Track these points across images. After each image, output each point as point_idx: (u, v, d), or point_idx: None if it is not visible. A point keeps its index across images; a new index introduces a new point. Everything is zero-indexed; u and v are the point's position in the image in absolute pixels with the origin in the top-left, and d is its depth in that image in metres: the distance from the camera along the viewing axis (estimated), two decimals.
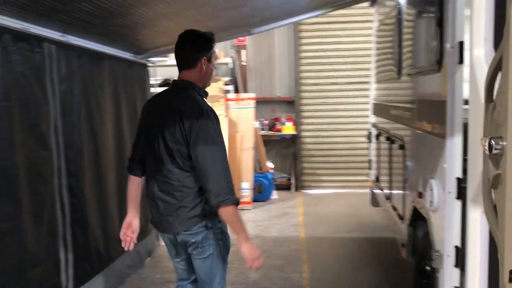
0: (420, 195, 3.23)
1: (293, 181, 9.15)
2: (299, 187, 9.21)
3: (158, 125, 2.66)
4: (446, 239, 2.61)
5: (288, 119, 9.05)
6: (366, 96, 8.76)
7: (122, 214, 4.68)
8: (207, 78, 2.76)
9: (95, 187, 4.19)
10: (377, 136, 5.44)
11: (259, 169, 8.66)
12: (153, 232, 5.71)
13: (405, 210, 3.78)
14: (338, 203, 8.04)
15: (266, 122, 9.16)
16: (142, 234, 5.28)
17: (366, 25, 8.74)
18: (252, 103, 8.19)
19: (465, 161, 2.52)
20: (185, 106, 2.59)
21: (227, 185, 2.50)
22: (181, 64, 2.72)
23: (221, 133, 2.60)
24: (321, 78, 9.03)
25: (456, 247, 2.59)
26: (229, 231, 2.75)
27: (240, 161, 7.95)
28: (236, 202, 2.55)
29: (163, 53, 5.90)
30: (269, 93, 9.22)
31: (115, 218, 4.60)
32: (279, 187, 8.94)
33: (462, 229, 2.57)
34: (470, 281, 1.80)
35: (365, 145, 8.71)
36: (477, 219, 1.77)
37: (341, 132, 9.06)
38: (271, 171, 8.76)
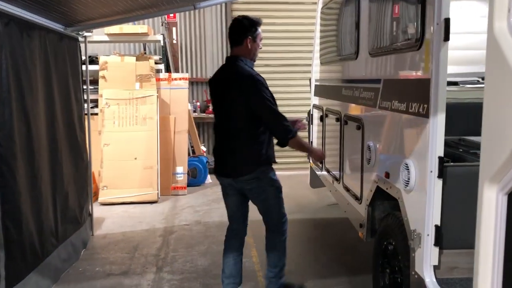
0: (388, 175, 3.21)
1: None
2: None
3: (221, 91, 3.46)
4: (426, 219, 2.60)
5: None
6: (302, 79, 8.85)
7: (57, 203, 4.25)
8: (252, 54, 3.48)
9: (28, 175, 3.70)
10: (321, 118, 5.41)
11: (192, 153, 8.37)
12: (87, 222, 5.27)
13: (364, 191, 3.77)
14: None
15: (198, 104, 8.84)
16: (76, 223, 4.85)
17: (300, 7, 8.77)
18: (185, 83, 7.84)
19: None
20: (238, 74, 3.34)
21: (285, 125, 3.35)
22: (232, 43, 3.51)
23: (268, 89, 3.35)
24: None
25: (436, 226, 2.59)
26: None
27: (173, 145, 7.60)
28: (295, 133, 3.40)
29: (97, 26, 5.37)
30: (201, 74, 8.91)
31: (50, 207, 4.13)
32: (212, 171, 8.71)
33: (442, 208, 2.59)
34: (482, 267, 1.75)
35: None
36: (493, 199, 1.70)
37: None
38: (205, 154, 8.51)
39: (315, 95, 5.81)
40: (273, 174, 3.57)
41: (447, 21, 2.41)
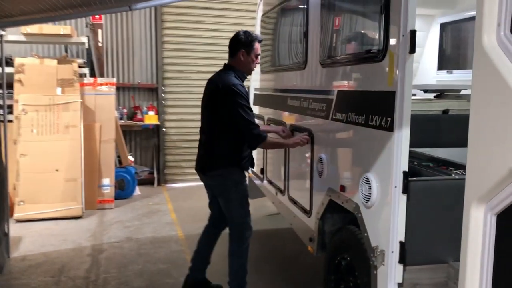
0: (343, 188, 3.12)
1: (156, 175, 8.55)
2: (162, 181, 8.66)
3: (205, 94, 3.77)
4: (391, 235, 2.52)
5: (150, 108, 8.40)
6: None
7: None
8: (245, 66, 3.72)
9: None
10: None
11: (118, 163, 7.87)
12: (3, 243, 4.68)
13: (315, 204, 3.66)
14: (206, 196, 7.71)
15: (125, 111, 8.36)
16: None
17: (233, 14, 8.62)
18: (112, 89, 7.35)
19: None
20: (220, 81, 3.63)
21: (254, 133, 3.53)
22: (228, 53, 3.78)
23: (246, 98, 3.56)
24: (186, 65, 8.58)
25: (401, 242, 2.51)
26: None
27: (99, 155, 7.08)
28: (265, 138, 3.57)
29: (17, 24, 4.82)
30: (129, 79, 8.44)
31: None
32: (141, 182, 8.27)
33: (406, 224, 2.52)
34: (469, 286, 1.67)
35: None
36: (480, 218, 1.63)
37: None
38: (133, 164, 8.05)
39: (254, 104, 5.66)
40: (241, 179, 3.73)
41: (413, 33, 2.36)
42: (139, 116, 8.35)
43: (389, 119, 2.50)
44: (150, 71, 8.51)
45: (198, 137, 8.77)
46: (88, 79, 7.32)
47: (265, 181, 5.25)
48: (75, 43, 7.56)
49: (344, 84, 3.15)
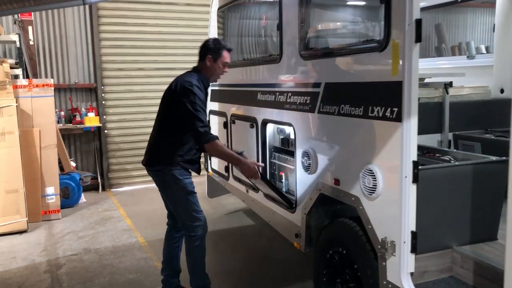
0: (338, 182, 3.09)
1: (100, 180, 8.08)
2: (107, 186, 8.21)
3: (165, 91, 3.70)
4: (402, 226, 2.52)
5: (90, 109, 7.90)
6: None
7: None
8: (210, 72, 3.65)
9: None
10: (225, 124, 5.13)
11: (60, 170, 7.32)
12: None
13: (300, 199, 3.61)
14: (158, 199, 7.26)
15: (63, 113, 7.79)
16: None
17: (172, 8, 8.33)
18: (50, 90, 6.80)
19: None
20: (178, 80, 3.60)
21: (202, 131, 3.41)
22: (198, 56, 3.70)
23: (199, 97, 3.46)
24: (126, 63, 8.16)
25: (413, 232, 2.53)
26: None
27: (40, 162, 6.53)
28: (212, 139, 3.44)
29: None
30: (64, 79, 7.87)
31: None
32: (84, 188, 7.74)
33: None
34: None
35: None
36: None
37: (151, 122, 8.35)
38: (76, 170, 7.54)
39: (212, 100, 5.49)
40: (182, 176, 3.59)
41: (418, 22, 2.36)
42: (78, 118, 7.82)
43: (395, 109, 2.49)
44: (87, 70, 7.99)
45: (142, 137, 8.53)
46: (22, 81, 6.71)
47: (231, 179, 5.11)
48: (4, 42, 6.90)
49: (333, 76, 3.11)
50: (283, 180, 4.14)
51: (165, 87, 8.46)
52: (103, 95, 8.06)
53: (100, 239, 5.63)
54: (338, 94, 3.03)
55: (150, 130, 8.22)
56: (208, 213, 6.49)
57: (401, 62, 2.43)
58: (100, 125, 7.92)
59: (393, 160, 2.55)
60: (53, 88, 6.83)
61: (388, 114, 2.55)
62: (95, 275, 4.58)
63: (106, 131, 8.13)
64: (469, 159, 2.98)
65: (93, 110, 7.90)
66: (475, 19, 8.81)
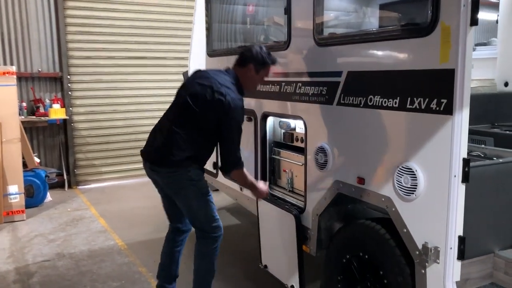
0: (363, 181, 2.81)
1: (65, 176, 7.49)
2: (74, 183, 7.63)
3: (195, 90, 3.21)
4: (449, 230, 2.27)
5: (55, 101, 7.29)
6: (151, 73, 7.94)
7: None
8: (247, 82, 3.29)
9: None
10: None
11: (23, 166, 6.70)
12: None
13: (311, 200, 3.32)
14: (133, 197, 6.97)
15: (24, 104, 7.14)
16: None
17: None
18: (12, 79, 6.17)
19: None
20: (221, 86, 3.13)
21: (237, 157, 3.24)
22: (236, 61, 3.32)
23: (243, 115, 3.22)
24: (94, 50, 7.59)
25: (460, 237, 2.28)
26: None
27: (1, 158, 5.93)
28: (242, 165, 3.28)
29: None
30: (26, 67, 7.22)
31: None
32: (49, 186, 7.15)
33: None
34: None
35: (149, 128, 7.85)
36: None
37: (121, 114, 7.90)
38: (40, 167, 6.94)
39: None
40: (199, 176, 3.26)
41: (475, 2, 2.10)
42: (42, 110, 7.20)
43: (443, 100, 2.23)
44: (51, 57, 7.36)
45: (111, 130, 7.99)
46: None
47: (220, 177, 4.75)
48: None
49: (360, 64, 2.82)
50: (287, 178, 3.83)
51: (138, 77, 7.98)
52: (69, 85, 7.46)
53: (73, 242, 5.14)
54: (366, 84, 2.74)
55: (121, 122, 7.91)
56: None
57: (453, 48, 2.17)
58: (67, 117, 7.33)
59: (439, 157, 2.29)
60: (15, 77, 6.21)
61: (433, 106, 2.29)
62: (73, 284, 4.12)
63: (72, 124, 7.55)
64: (502, 156, 2.78)
65: (59, 102, 7.30)
66: None
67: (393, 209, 2.59)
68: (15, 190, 5.98)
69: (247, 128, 4.15)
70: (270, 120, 3.96)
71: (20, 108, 6.95)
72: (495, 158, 2.85)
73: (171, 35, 7.99)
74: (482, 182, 2.43)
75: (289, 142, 3.82)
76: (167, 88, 7.98)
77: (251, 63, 3.23)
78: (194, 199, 3.27)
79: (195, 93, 3.15)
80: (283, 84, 3.58)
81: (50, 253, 4.82)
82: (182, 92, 3.30)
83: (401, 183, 2.51)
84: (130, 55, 7.81)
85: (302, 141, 3.65)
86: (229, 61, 3.67)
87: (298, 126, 3.67)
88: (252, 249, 4.44)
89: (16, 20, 7.06)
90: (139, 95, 7.95)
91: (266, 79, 3.41)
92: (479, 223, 2.47)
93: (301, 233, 3.44)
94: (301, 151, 3.62)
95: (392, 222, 2.74)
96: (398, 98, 2.51)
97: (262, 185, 3.44)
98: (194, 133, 3.15)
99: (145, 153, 3.35)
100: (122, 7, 7.66)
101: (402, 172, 2.50)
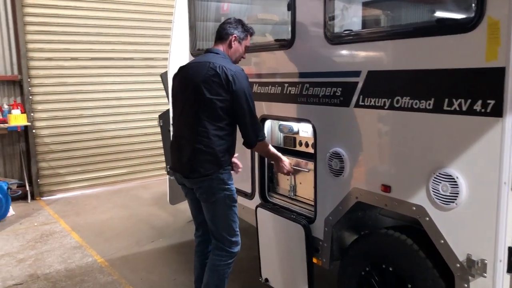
0: (389, 189, 2.61)
1: (28, 187, 6.92)
2: (37, 194, 7.07)
3: (191, 82, 3.04)
4: (499, 241, 2.10)
5: (14, 106, 6.72)
6: (118, 75, 7.49)
7: None
8: (235, 57, 3.19)
9: None
10: None
11: None
12: None
13: (323, 208, 3.10)
14: (103, 207, 6.52)
15: None
16: None
17: None
18: None
19: None
20: (229, 67, 2.97)
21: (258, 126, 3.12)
22: (216, 38, 3.20)
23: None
24: (56, 51, 7.07)
25: (510, 248, 2.12)
26: None
27: None
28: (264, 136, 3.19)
29: None
30: None
31: None
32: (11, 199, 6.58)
33: None
34: None
35: (118, 133, 7.42)
36: None
37: (88, 119, 7.39)
38: (1, 178, 6.37)
39: None
40: (230, 180, 3.12)
41: None
42: (0, 116, 6.61)
43: (491, 102, 2.06)
44: (9, 59, 6.78)
45: (77, 136, 7.46)
46: None
47: None
48: None
49: (383, 63, 2.61)
50: (289, 185, 3.59)
51: (104, 79, 7.53)
52: (30, 88, 6.90)
53: (46, 261, 4.68)
54: (391, 84, 2.54)
55: (87, 128, 7.41)
56: (168, 223, 5.82)
57: (503, 45, 2.00)
58: (28, 123, 6.77)
59: (486, 162, 2.11)
60: None
61: (478, 107, 2.11)
62: None
63: (34, 131, 6.99)
64: None
65: (19, 107, 6.73)
66: None
67: (427, 218, 2.40)
68: None
69: None
70: (268, 124, 3.71)
71: None
72: None
73: (139, 35, 7.57)
74: None
75: (291, 146, 3.58)
76: (135, 91, 7.58)
77: (232, 34, 3.13)
78: (221, 206, 3.09)
79: (198, 81, 2.97)
80: (286, 85, 3.33)
81: (21, 275, 4.35)
82: (183, 91, 3.09)
83: (438, 191, 2.32)
84: (96, 55, 7.33)
85: (307, 146, 3.43)
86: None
87: (303, 129, 3.44)
88: (249, 260, 4.19)
89: None
90: (106, 98, 7.48)
91: (263, 79, 3.22)
92: None
93: (311, 245, 3.22)
94: (306, 156, 3.40)
95: (417, 231, 2.59)
96: (432, 99, 2.31)
97: (287, 160, 3.34)
98: (213, 126, 2.96)
99: (174, 168, 3.23)
100: (86, 4, 7.18)
101: (439, 179, 2.31)
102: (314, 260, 3.24)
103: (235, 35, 3.13)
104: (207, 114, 2.94)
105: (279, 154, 3.32)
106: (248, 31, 3.20)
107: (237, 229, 3.18)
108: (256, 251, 3.78)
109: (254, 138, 3.08)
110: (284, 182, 3.66)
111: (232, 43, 3.14)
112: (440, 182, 2.31)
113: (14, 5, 6.65)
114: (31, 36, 6.84)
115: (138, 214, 6.03)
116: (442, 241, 2.34)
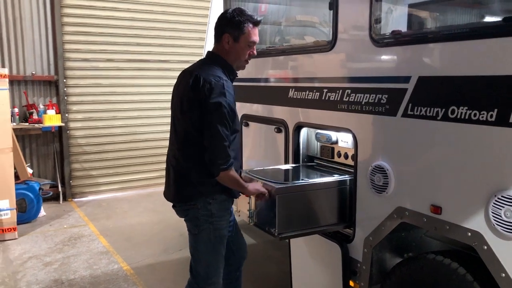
0: (439, 210, 2.31)
1: (60, 188, 6.91)
2: (69, 195, 7.05)
3: (177, 94, 2.81)
4: None
5: (50, 106, 6.72)
6: (153, 77, 7.41)
7: None
8: (232, 58, 2.69)
9: None
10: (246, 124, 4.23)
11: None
12: None
13: (364, 228, 2.81)
14: (134, 211, 6.41)
15: (16, 110, 6.57)
16: None
17: None
18: (4, 82, 5.62)
19: None
20: (205, 74, 2.58)
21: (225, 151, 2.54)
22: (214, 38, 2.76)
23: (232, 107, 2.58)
24: (92, 52, 7.04)
25: None
26: None
27: None
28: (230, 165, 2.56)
29: None
30: (18, 70, 6.64)
31: None
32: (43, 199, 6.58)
33: None
34: None
35: (151, 136, 7.32)
36: None
37: (121, 121, 7.34)
38: (34, 179, 6.36)
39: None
40: (221, 211, 2.70)
41: None
42: (35, 116, 6.63)
43: None
44: (46, 59, 6.79)
45: (110, 138, 7.43)
46: None
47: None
48: None
49: (437, 68, 2.32)
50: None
51: (140, 81, 7.48)
52: (65, 89, 6.90)
53: (72, 266, 4.57)
54: (445, 92, 2.25)
55: (121, 130, 7.37)
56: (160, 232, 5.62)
57: None
58: (62, 124, 6.75)
59: None
60: (7, 80, 5.65)
61: None
62: None
63: (68, 132, 6.97)
64: None
65: (54, 107, 6.73)
66: None
67: (485, 247, 2.09)
68: (6, 206, 5.39)
69: (275, 140, 3.66)
70: (304, 132, 3.46)
71: (12, 115, 6.38)
72: None
73: (176, 37, 7.46)
74: None
75: (328, 157, 3.32)
76: (170, 94, 7.44)
77: (225, 32, 2.64)
78: (203, 242, 2.70)
79: (174, 100, 2.79)
80: (325, 90, 3.07)
81: (46, 280, 4.25)
82: (171, 105, 2.90)
83: (500, 216, 2.01)
84: (131, 57, 7.27)
85: (346, 157, 3.16)
86: (253, 62, 3.18)
87: (342, 139, 3.17)
88: (274, 274, 3.95)
89: (8, 18, 6.49)
90: (140, 100, 7.40)
91: (299, 84, 2.89)
92: None
93: (348, 267, 2.94)
94: (345, 168, 3.13)
95: (469, 257, 2.29)
96: (495, 110, 2.01)
97: (253, 184, 2.71)
98: (202, 149, 2.56)
99: (164, 195, 2.86)
100: (123, 5, 7.13)
101: (501, 203, 2.00)
102: (351, 284, 2.97)
103: (226, 33, 2.63)
104: (189, 132, 2.62)
105: (243, 182, 2.65)
106: (244, 23, 2.60)
107: (219, 271, 2.76)
108: (286, 266, 3.55)
109: (216, 165, 2.53)
110: None
111: (225, 43, 2.65)
112: (503, 206, 2.00)
113: (53, 6, 6.67)
114: (68, 36, 6.84)
115: (167, 220, 5.87)
116: (504, 275, 2.02)
